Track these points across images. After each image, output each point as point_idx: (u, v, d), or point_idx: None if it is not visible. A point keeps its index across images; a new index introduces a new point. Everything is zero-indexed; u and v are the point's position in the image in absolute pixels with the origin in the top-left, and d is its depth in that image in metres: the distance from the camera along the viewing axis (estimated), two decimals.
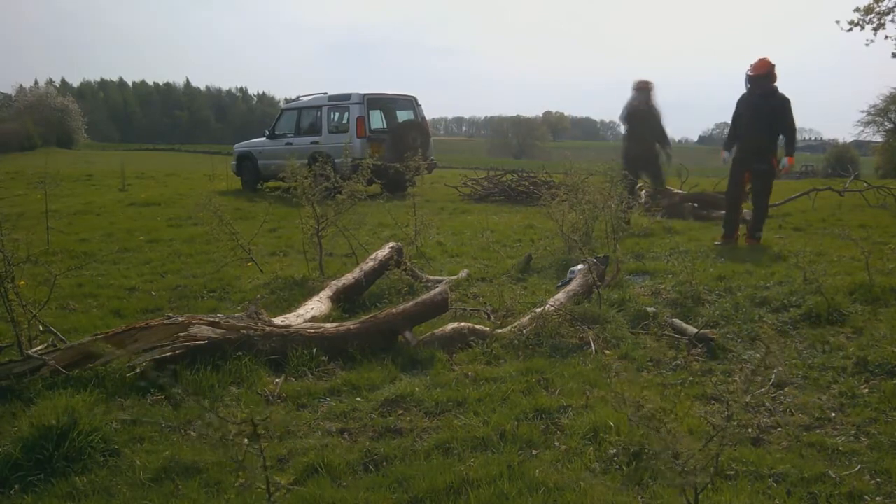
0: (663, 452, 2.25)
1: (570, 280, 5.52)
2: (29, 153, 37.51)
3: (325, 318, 4.69)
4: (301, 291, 5.53)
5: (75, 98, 56.45)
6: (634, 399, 2.47)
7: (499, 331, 4.46)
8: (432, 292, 4.65)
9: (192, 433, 3.15)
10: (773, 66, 7.24)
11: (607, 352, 4.25)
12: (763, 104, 7.18)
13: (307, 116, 13.86)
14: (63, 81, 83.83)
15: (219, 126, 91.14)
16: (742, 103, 7.44)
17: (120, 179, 16.41)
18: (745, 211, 7.90)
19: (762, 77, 7.21)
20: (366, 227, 8.19)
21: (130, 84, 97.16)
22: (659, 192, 9.63)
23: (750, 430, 3.21)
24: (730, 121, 7.80)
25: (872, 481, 2.75)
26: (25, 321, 3.86)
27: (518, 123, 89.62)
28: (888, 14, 15.25)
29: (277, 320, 4.40)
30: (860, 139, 38.37)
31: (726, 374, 3.95)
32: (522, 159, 57.83)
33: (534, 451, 2.97)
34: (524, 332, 4.41)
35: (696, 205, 10.09)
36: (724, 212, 7.81)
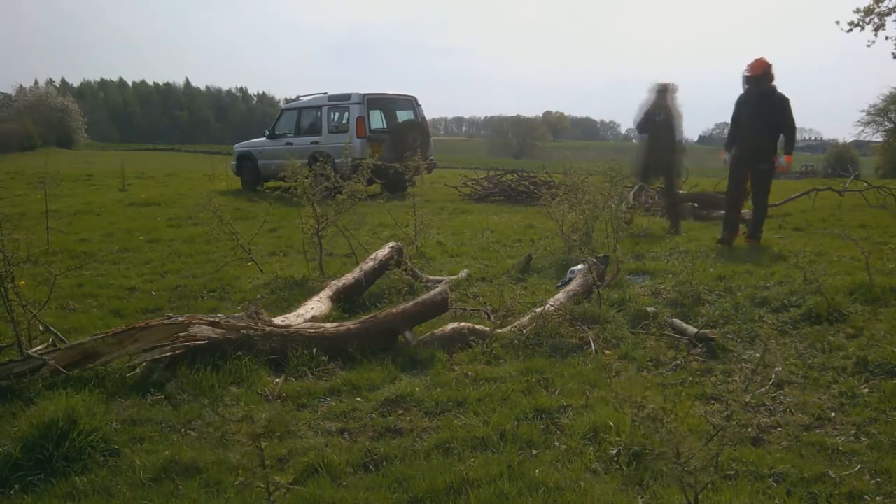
0: (665, 452, 2.25)
1: (570, 280, 5.53)
2: (29, 153, 37.50)
3: (325, 318, 4.69)
4: (301, 291, 5.53)
5: (75, 98, 56.43)
6: (635, 399, 2.48)
7: (499, 331, 4.46)
8: (432, 292, 4.65)
9: (192, 433, 3.15)
10: (769, 66, 7.21)
11: (607, 352, 4.25)
12: (763, 104, 7.15)
13: (307, 116, 13.87)
14: (63, 81, 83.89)
15: (219, 126, 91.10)
16: (741, 104, 7.41)
17: (120, 179, 16.41)
18: (744, 211, 7.88)
19: (759, 77, 7.19)
20: (366, 227, 8.19)
21: (130, 84, 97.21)
22: (664, 194, 9.39)
23: (750, 430, 3.21)
24: (729, 121, 7.75)
25: (872, 481, 2.75)
26: (25, 321, 3.86)
27: (518, 123, 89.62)
28: (888, 14, 15.25)
29: (277, 320, 4.40)
30: (860, 139, 38.38)
31: (726, 374, 3.95)
32: (522, 159, 57.81)
33: (534, 451, 2.97)
34: (524, 332, 4.41)
35: (696, 205, 10.08)
36: (723, 212, 7.76)
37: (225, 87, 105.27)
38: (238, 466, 2.36)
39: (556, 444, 3.03)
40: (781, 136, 7.25)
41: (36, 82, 63.05)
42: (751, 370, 2.42)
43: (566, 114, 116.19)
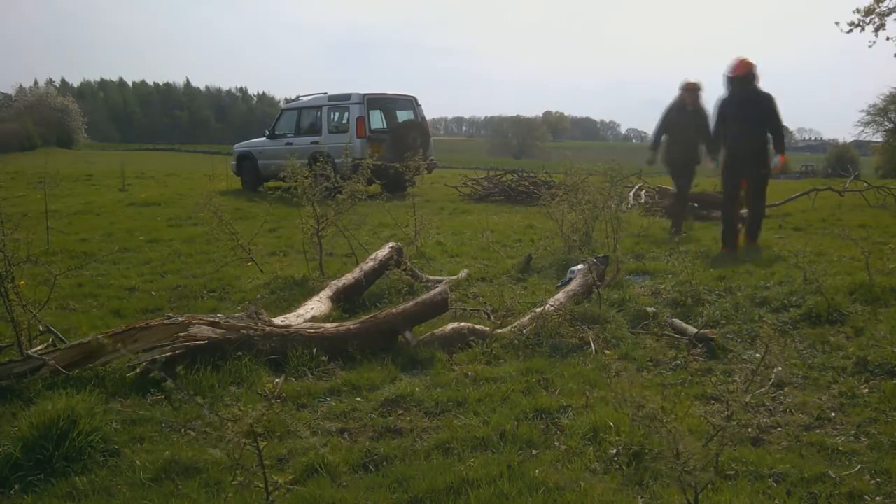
0: (664, 452, 2.25)
1: (570, 280, 5.53)
2: (29, 153, 37.49)
3: (325, 318, 4.69)
4: (301, 291, 5.53)
5: (75, 98, 56.44)
6: (635, 399, 2.47)
7: (499, 331, 4.46)
8: (432, 292, 4.65)
9: (192, 433, 3.15)
10: (752, 66, 6.93)
11: (607, 352, 4.25)
12: (749, 106, 6.86)
13: (307, 116, 13.87)
14: (63, 81, 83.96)
15: (219, 126, 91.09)
16: (725, 106, 7.08)
17: (120, 179, 16.40)
18: (742, 210, 7.71)
19: (742, 78, 6.89)
20: (366, 227, 8.20)
21: (130, 84, 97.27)
22: (677, 193, 9.13)
23: (750, 430, 3.21)
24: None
25: (872, 481, 2.75)
26: (25, 321, 3.86)
27: (518, 123, 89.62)
28: (889, 14, 15.23)
29: (277, 320, 4.40)
30: (860, 139, 38.42)
31: (726, 374, 3.95)
32: (522, 159, 57.84)
33: (534, 451, 2.97)
34: (524, 332, 4.41)
35: (696, 205, 10.07)
36: (721, 219, 7.35)
37: (225, 87, 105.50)
38: (236, 466, 2.36)
39: (556, 444, 3.03)
40: (770, 137, 6.96)
41: (36, 82, 63.13)
42: (751, 370, 2.41)
43: (566, 114, 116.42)
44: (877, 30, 15.34)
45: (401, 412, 3.43)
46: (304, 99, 14.27)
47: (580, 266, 5.54)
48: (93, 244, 8.01)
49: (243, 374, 3.74)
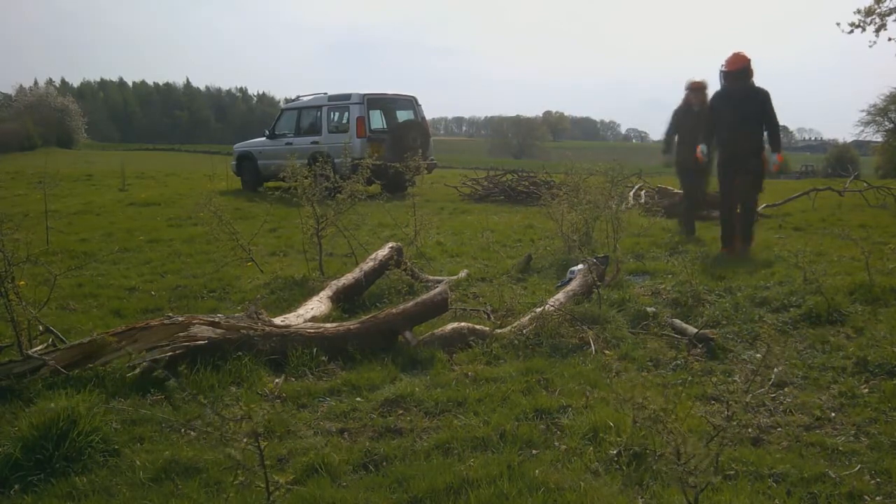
0: (665, 452, 2.25)
1: (570, 280, 5.53)
2: (29, 153, 37.49)
3: (325, 318, 4.69)
4: (301, 291, 5.53)
5: (75, 98, 56.47)
6: (636, 399, 2.47)
7: (499, 331, 4.46)
8: (432, 292, 4.65)
9: (192, 433, 3.15)
10: (748, 61, 6.69)
11: (607, 352, 4.25)
12: (745, 102, 6.67)
13: (307, 116, 13.87)
14: (63, 81, 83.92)
15: (219, 126, 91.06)
16: (719, 101, 6.90)
17: (120, 179, 16.41)
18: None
19: (738, 73, 6.68)
20: (366, 227, 8.20)
21: (130, 84, 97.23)
22: (689, 194, 8.53)
23: (750, 430, 3.20)
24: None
25: (872, 481, 2.75)
26: (25, 321, 3.86)
27: (518, 123, 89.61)
28: (889, 15, 15.23)
29: (277, 320, 4.40)
30: (860, 139, 38.44)
31: (726, 374, 3.95)
32: (522, 159, 57.81)
33: (534, 451, 2.97)
34: (524, 332, 4.41)
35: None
36: (720, 219, 7.22)
37: (225, 87, 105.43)
38: (237, 466, 2.36)
39: (556, 444, 3.03)
40: (765, 134, 6.80)
41: (36, 82, 63.12)
42: (751, 370, 2.41)
43: (566, 114, 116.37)
44: (877, 30, 15.35)
45: (401, 412, 3.42)
46: (304, 99, 14.28)
47: (580, 266, 5.53)
48: (93, 244, 8.02)
49: (243, 374, 3.74)
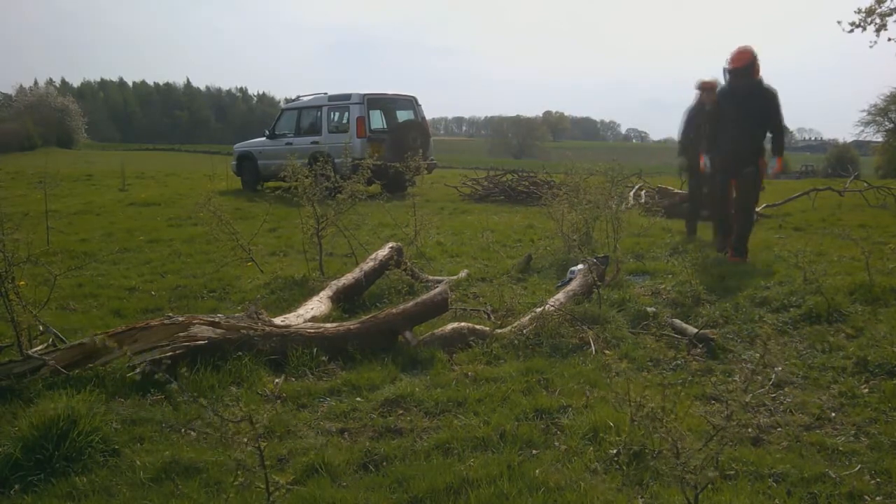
0: (664, 452, 2.25)
1: (570, 280, 5.52)
2: (29, 153, 37.52)
3: (325, 318, 4.69)
4: (301, 291, 5.53)
5: (75, 98, 56.52)
6: (635, 399, 2.47)
7: (499, 331, 4.46)
8: (432, 292, 4.65)
9: (192, 433, 3.15)
10: (755, 57, 6.33)
11: (607, 352, 4.25)
12: (750, 101, 6.35)
13: (307, 116, 13.87)
14: (63, 81, 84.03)
15: (219, 126, 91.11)
16: (723, 99, 6.63)
17: (120, 179, 16.41)
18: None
19: (743, 69, 6.34)
20: (366, 227, 8.20)
21: (130, 84, 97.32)
22: (693, 195, 8.42)
23: (750, 430, 3.20)
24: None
25: (872, 481, 2.75)
26: (25, 321, 3.86)
27: (518, 123, 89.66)
28: (889, 15, 15.22)
29: (277, 320, 4.40)
30: (860, 139, 38.47)
31: (726, 374, 3.95)
32: (522, 159, 57.84)
33: (534, 451, 2.97)
34: (524, 332, 4.41)
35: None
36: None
37: (225, 87, 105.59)
38: (238, 466, 2.36)
39: (556, 444, 3.03)
40: (769, 136, 6.54)
41: (36, 82, 63.20)
42: (751, 370, 2.41)
43: (566, 114, 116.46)
44: (878, 30, 15.34)
45: (401, 412, 3.43)
46: (305, 99, 14.27)
47: (580, 266, 5.53)
48: (93, 244, 8.02)
49: (243, 374, 3.74)
